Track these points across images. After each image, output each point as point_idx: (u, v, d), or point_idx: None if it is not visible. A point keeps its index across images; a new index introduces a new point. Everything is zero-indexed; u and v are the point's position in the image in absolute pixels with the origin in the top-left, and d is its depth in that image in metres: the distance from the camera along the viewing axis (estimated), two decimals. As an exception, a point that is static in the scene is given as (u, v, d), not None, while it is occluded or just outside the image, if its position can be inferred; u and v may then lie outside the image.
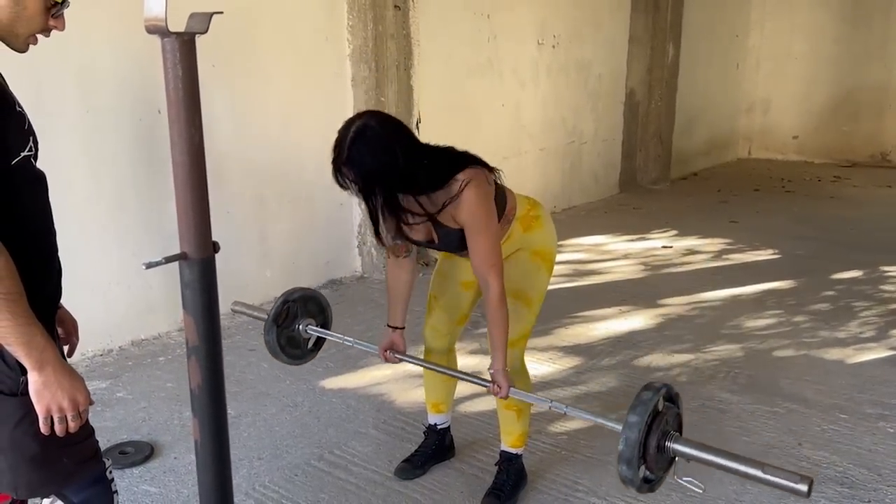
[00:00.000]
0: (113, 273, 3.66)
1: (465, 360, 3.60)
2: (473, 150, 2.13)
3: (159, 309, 3.86)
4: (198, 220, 1.02)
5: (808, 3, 9.64)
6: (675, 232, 6.28)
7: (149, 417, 3.07)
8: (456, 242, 2.15)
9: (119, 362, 3.57)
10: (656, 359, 3.66)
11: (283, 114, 4.37)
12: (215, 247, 1.11)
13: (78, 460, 1.50)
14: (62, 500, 1.55)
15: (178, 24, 1.04)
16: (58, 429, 1.34)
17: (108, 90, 3.54)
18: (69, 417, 1.34)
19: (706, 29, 8.88)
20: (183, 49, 0.93)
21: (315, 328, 2.74)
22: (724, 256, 5.56)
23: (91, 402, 1.40)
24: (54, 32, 1.41)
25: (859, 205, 7.44)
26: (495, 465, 2.56)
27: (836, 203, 7.51)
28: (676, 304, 4.47)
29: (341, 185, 2.01)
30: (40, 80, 3.24)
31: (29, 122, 1.38)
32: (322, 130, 4.67)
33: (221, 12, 1.01)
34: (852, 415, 3.08)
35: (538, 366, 3.58)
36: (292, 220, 4.54)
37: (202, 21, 0.99)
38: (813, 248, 5.76)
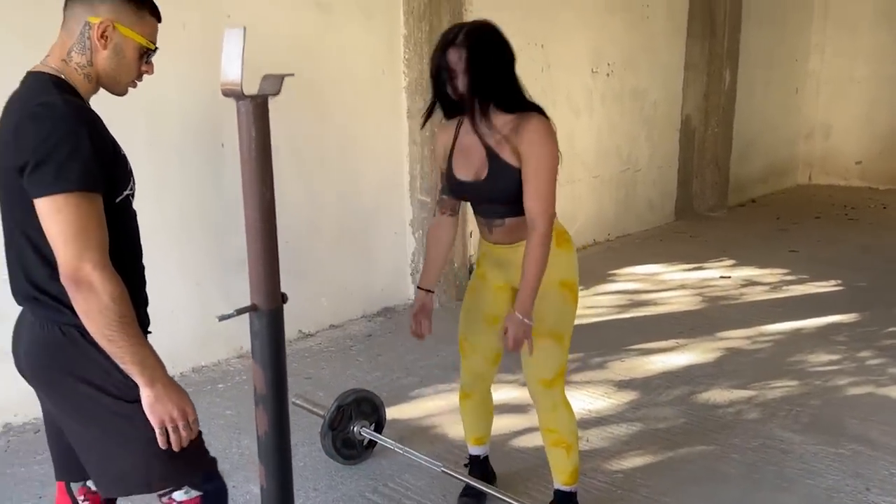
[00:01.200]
0: (175, 301, 3.77)
1: (507, 394, 3.59)
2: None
3: (219, 336, 3.96)
4: (267, 273, 1.06)
5: (870, 25, 9.41)
6: (732, 261, 6.16)
7: (208, 444, 3.12)
8: (503, 184, 2.10)
9: (180, 388, 3.67)
10: (715, 395, 3.58)
11: (339, 145, 4.46)
12: (284, 298, 1.15)
13: (201, 452, 1.65)
14: (193, 488, 1.64)
15: (250, 76, 1.09)
16: (172, 439, 1.46)
17: (173, 124, 3.67)
18: (181, 427, 1.46)
19: (764, 54, 8.74)
20: (256, 111, 0.98)
21: (368, 431, 2.83)
22: (785, 287, 5.42)
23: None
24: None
25: (928, 234, 7.18)
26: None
27: (903, 232, 7.27)
28: (736, 338, 4.37)
29: (434, 71, 2.07)
30: (111, 113, 3.38)
31: (129, 164, 1.53)
32: (377, 161, 4.79)
33: (293, 74, 1.05)
34: (924, 459, 2.96)
35: (593, 400, 3.54)
36: (348, 249, 4.61)
37: (274, 83, 1.03)
38: (878, 279, 5.57)
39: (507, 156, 2.07)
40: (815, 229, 7.45)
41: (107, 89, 1.60)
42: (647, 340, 4.32)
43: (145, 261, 1.60)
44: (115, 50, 1.53)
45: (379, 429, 3.01)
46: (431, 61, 2.09)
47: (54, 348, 1.47)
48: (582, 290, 5.37)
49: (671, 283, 5.56)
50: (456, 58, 2.01)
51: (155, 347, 1.46)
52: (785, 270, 5.86)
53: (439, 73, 2.07)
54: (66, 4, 1.56)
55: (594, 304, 5.05)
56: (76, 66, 1.53)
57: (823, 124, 10.03)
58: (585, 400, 3.54)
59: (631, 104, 6.86)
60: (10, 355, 1.59)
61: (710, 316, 4.80)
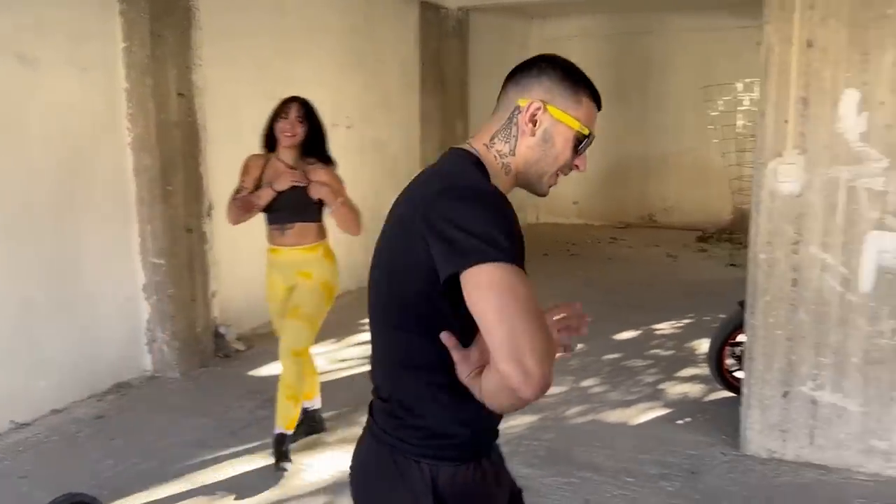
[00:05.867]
0: None
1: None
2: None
3: None
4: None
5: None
6: (474, 302, 6.52)
7: None
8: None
9: None
10: (461, 439, 3.72)
11: (54, 208, 4.03)
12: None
13: None
14: None
15: None
16: None
17: None
18: None
19: (491, 106, 9.40)
20: None
21: None
22: (521, 324, 5.84)
23: None
24: None
25: (633, 265, 8.20)
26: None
27: (614, 265, 8.22)
28: (479, 378, 4.60)
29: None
30: None
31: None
32: (102, 221, 4.39)
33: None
34: (638, 477, 3.32)
35: (349, 459, 3.49)
36: (69, 322, 4.14)
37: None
38: (598, 310, 6.18)
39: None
40: (544, 266, 8.15)
41: (523, 186, 1.46)
42: (398, 390, 4.39)
43: None
44: (542, 136, 1.40)
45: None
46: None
47: None
48: (335, 341, 5.35)
49: (419, 329, 5.73)
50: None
51: None
52: (520, 307, 6.31)
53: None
54: (501, 89, 1.45)
55: (346, 357, 5.05)
56: (496, 154, 1.42)
57: (546, 169, 11.13)
58: (339, 461, 3.50)
59: (373, 156, 7.05)
60: None
61: (456, 359, 5.01)
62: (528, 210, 11.18)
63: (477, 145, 1.44)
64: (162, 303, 4.52)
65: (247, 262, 5.48)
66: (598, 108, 1.47)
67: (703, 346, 4.50)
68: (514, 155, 1.42)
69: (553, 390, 4.37)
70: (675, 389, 4.37)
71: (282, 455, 3.36)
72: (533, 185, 1.47)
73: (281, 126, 3.26)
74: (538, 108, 1.39)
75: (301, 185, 3.23)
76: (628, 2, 9.37)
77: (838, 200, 3.19)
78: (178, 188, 4.50)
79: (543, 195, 1.50)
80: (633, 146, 10.54)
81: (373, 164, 7.06)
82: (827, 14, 3.11)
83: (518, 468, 3.39)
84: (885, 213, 3.14)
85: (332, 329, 5.59)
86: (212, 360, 4.85)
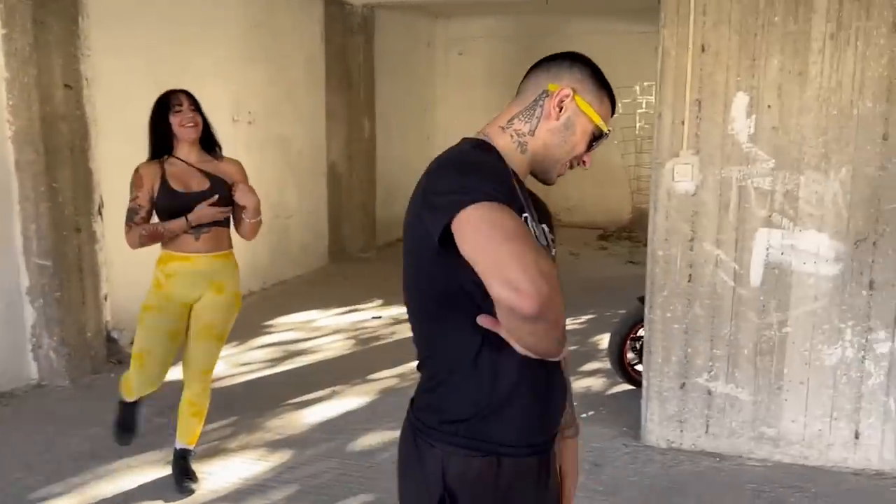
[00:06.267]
0: None
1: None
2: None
3: None
4: None
5: (481, 81, 10.73)
6: (382, 301, 6.47)
7: None
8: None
9: None
10: (370, 439, 3.68)
11: (-76, 206, 3.71)
12: None
13: None
14: None
15: None
16: None
17: None
18: None
19: (398, 104, 9.45)
20: None
21: None
22: (428, 323, 5.84)
23: None
24: None
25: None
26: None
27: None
28: (387, 378, 4.56)
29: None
30: None
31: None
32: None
33: None
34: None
35: (249, 466, 3.39)
36: (-58, 330, 3.83)
37: None
38: (504, 307, 6.29)
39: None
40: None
41: (536, 170, 1.46)
42: (304, 392, 4.30)
43: None
44: (565, 123, 1.42)
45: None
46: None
47: None
48: (237, 344, 5.18)
49: (326, 329, 5.64)
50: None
51: None
52: (428, 306, 6.31)
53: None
54: (526, 74, 1.47)
55: (249, 360, 4.90)
56: (513, 133, 1.43)
57: (452, 168, 11.17)
58: (241, 467, 3.38)
59: (275, 152, 6.88)
60: None
61: (363, 359, 4.96)
62: (435, 209, 11.20)
63: (489, 130, 1.47)
64: (48, 306, 4.25)
65: (140, 263, 5.20)
66: (612, 113, 1.51)
67: (605, 340, 4.62)
68: (532, 135, 1.44)
69: (461, 388, 4.37)
70: (579, 384, 4.47)
71: (185, 471, 3.16)
72: (546, 169, 1.48)
73: (179, 119, 3.00)
74: (567, 95, 1.42)
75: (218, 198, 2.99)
76: (531, 4, 9.54)
77: (730, 199, 3.34)
78: (65, 185, 4.24)
79: (551, 183, 1.51)
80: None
81: (275, 161, 6.89)
82: (719, 20, 3.25)
83: (426, 467, 3.37)
84: (773, 210, 3.31)
85: (235, 332, 5.41)
86: (104, 366, 4.59)
